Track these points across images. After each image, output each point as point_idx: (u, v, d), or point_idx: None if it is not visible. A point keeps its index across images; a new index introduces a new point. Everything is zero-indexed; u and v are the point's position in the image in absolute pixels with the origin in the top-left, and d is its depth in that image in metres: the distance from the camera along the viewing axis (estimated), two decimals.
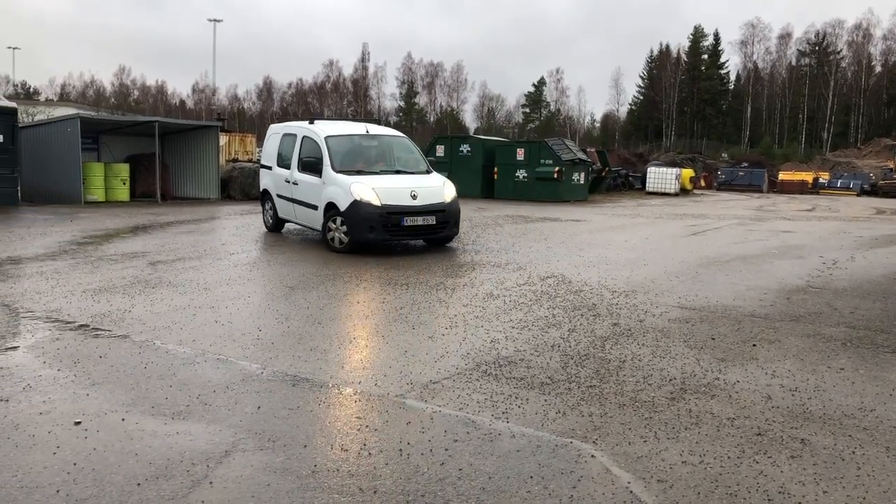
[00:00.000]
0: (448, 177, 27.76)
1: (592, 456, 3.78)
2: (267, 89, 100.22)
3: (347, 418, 4.25)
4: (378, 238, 10.94)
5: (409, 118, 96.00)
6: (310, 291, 8.05)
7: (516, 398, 4.68)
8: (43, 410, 4.23)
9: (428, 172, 12.20)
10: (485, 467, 3.60)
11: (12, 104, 20.64)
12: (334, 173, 11.31)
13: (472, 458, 3.70)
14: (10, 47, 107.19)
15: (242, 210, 19.19)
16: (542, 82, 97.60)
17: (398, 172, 11.84)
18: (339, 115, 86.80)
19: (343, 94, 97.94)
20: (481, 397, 4.68)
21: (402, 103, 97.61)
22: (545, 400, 4.64)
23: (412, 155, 12.63)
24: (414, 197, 11.04)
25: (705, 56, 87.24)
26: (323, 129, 12.19)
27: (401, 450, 3.78)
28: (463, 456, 3.73)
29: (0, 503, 3.11)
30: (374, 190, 10.85)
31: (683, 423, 4.30)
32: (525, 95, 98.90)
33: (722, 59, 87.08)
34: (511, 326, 6.64)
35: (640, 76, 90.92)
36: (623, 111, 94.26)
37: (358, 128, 12.78)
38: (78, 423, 4.03)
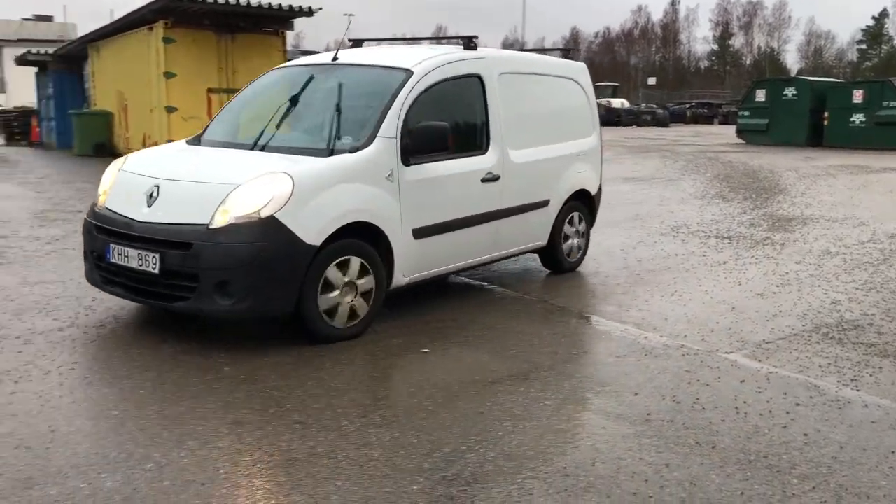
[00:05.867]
0: (769, 124, 25.89)
1: None
2: (574, 40, 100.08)
3: (676, 370, 4.18)
4: (88, 275, 5.10)
5: (721, 62, 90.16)
6: (632, 230, 7.93)
7: (867, 365, 4.25)
8: None
9: (361, 147, 4.74)
10: (834, 436, 3.34)
11: None
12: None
13: (818, 425, 3.46)
14: None
15: None
16: (883, 14, 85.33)
17: (272, 147, 5.05)
18: (647, 64, 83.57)
19: (651, 41, 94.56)
20: (823, 361, 4.33)
21: (714, 46, 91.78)
22: None
23: (366, 107, 5.15)
24: (150, 201, 4.65)
25: None
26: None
27: (736, 408, 3.65)
28: (807, 421, 3.50)
29: None
30: (111, 181, 5.20)
31: None
32: (862, 30, 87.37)
33: None
34: (855, 288, 6.02)
35: None
36: None
37: (324, 57, 6.17)
38: None
